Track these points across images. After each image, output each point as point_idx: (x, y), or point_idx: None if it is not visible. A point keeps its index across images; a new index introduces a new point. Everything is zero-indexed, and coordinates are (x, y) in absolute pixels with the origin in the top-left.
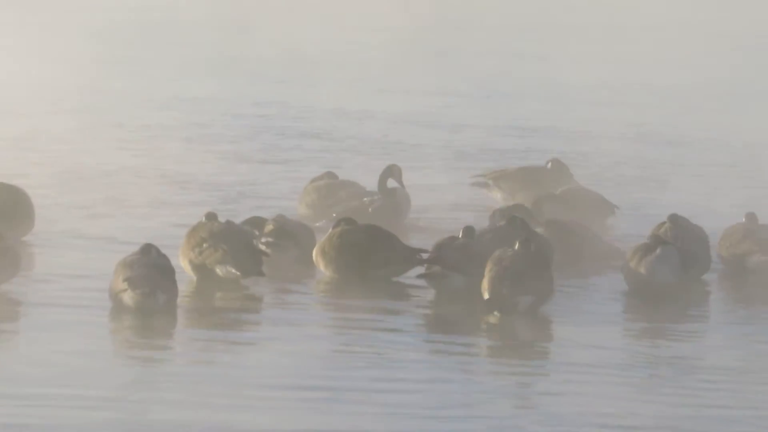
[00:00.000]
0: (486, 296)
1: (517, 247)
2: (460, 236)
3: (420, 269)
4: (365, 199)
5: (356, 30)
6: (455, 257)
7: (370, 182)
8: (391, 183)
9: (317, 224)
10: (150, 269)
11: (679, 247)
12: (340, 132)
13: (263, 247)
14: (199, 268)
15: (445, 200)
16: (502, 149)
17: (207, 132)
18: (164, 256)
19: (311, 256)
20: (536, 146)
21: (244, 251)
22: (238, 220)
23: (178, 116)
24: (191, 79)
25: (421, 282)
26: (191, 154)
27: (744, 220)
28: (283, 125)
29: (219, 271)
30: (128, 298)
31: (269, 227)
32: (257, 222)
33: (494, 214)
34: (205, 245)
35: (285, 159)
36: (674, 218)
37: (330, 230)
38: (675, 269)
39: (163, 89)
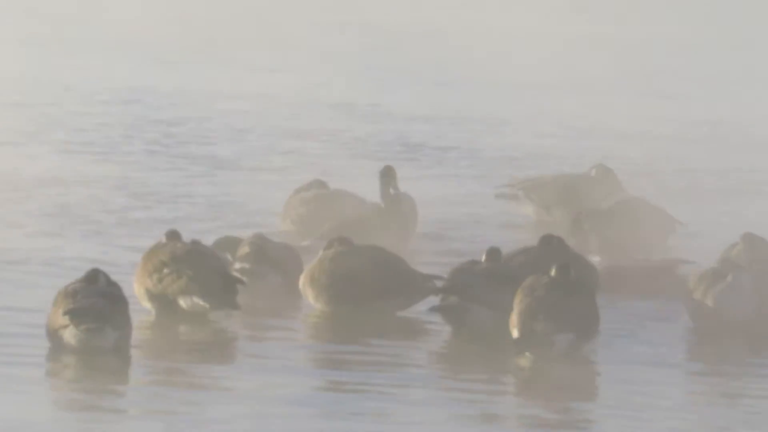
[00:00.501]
0: (515, 334)
1: (553, 273)
2: (482, 260)
3: (433, 300)
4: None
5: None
6: (477, 286)
7: (369, 191)
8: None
9: (304, 245)
10: (98, 300)
11: (755, 273)
12: (345, 132)
13: (238, 274)
14: (159, 299)
15: (464, 215)
16: (536, 153)
17: (172, 131)
18: (115, 285)
19: (297, 285)
20: (578, 149)
21: (214, 279)
22: (207, 241)
23: (137, 112)
24: (152, 68)
25: (435, 317)
26: (152, 159)
27: None
28: (271, 123)
29: (183, 303)
30: (70, 335)
31: (245, 249)
32: (230, 243)
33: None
34: (165, 271)
35: (273, 165)
36: (749, 238)
37: (321, 252)
38: (749, 300)
39: (118, 79)
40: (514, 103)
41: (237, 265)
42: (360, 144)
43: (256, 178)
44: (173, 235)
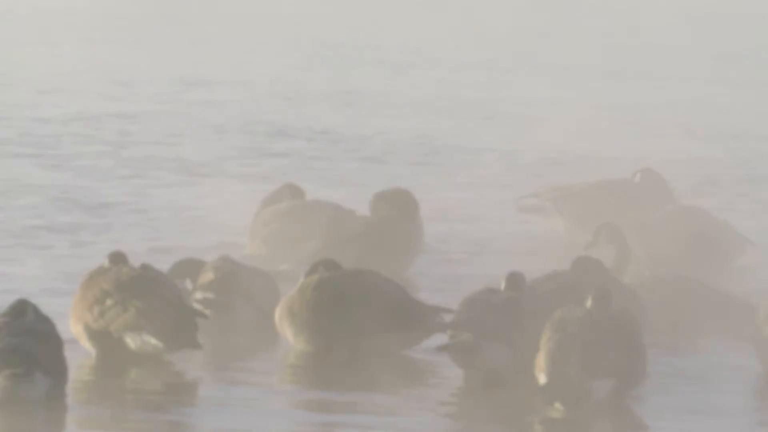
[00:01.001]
0: (543, 380)
1: (589, 304)
2: (501, 287)
3: (441, 338)
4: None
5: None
6: (494, 320)
7: (358, 201)
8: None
9: (281, 269)
10: (25, 339)
11: None
12: (343, 128)
13: (199, 306)
14: (101, 337)
15: (478, 231)
16: (568, 159)
17: (126, 128)
18: (46, 320)
19: (272, 320)
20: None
21: (169, 312)
22: (163, 265)
23: (84, 104)
24: (96, 49)
25: (443, 358)
26: (96, 164)
27: None
28: (251, 118)
29: (130, 341)
30: None
31: (208, 276)
32: (190, 267)
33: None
34: (108, 302)
35: (252, 170)
36: None
37: (301, 279)
38: None
39: (54, 66)
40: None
41: (198, 295)
42: (359, 143)
43: (229, 187)
44: (118, 258)
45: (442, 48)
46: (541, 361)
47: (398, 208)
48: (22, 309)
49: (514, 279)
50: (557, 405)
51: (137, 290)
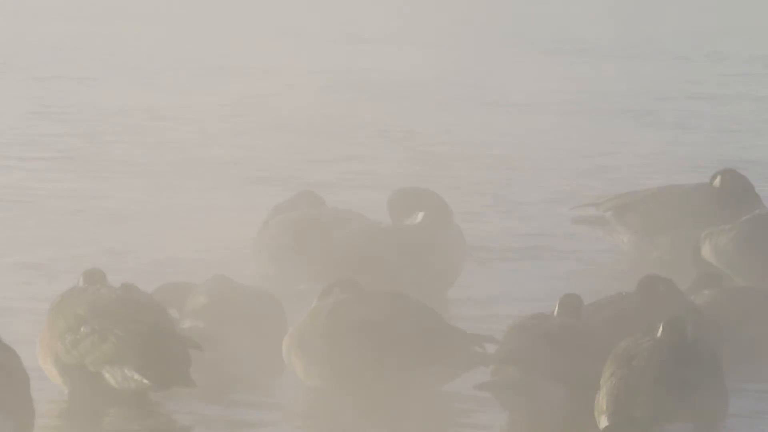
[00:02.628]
0: (604, 422)
1: (660, 333)
2: (554, 312)
3: (482, 373)
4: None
5: None
6: (546, 352)
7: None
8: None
9: (300, 288)
10: None
11: None
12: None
13: (190, 335)
14: (74, 372)
15: (524, 246)
16: (626, 162)
17: (117, 126)
18: (8, 350)
19: (278, 351)
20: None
21: (157, 342)
22: (147, 286)
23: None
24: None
25: (485, 395)
26: (75, 167)
27: None
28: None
29: (109, 377)
30: None
31: (199, 300)
32: (177, 291)
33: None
34: (83, 330)
35: (257, 174)
36: None
37: (314, 303)
38: None
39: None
40: None
41: (187, 323)
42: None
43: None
44: (94, 277)
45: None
46: (602, 401)
47: (429, 213)
48: None
49: (570, 302)
50: None
51: (117, 316)
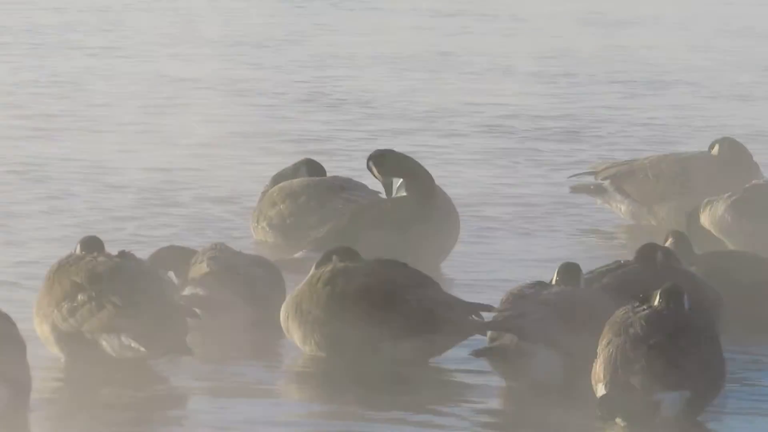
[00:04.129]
0: (601, 391)
1: (657, 301)
2: (553, 281)
3: (480, 341)
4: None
5: None
6: (543, 319)
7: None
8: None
9: (294, 257)
10: None
11: None
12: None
13: (188, 303)
14: (71, 340)
15: (520, 215)
16: (630, 131)
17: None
18: (6, 318)
19: (277, 319)
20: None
21: (154, 310)
22: (144, 253)
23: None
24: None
25: (482, 364)
26: (67, 132)
27: None
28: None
29: (107, 345)
30: None
31: (201, 268)
32: (177, 256)
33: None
34: (80, 298)
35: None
36: None
37: (311, 271)
38: None
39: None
40: None
41: (187, 291)
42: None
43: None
44: (91, 244)
45: None
46: (599, 369)
47: (413, 182)
48: None
49: (568, 271)
50: (618, 421)
51: (115, 284)
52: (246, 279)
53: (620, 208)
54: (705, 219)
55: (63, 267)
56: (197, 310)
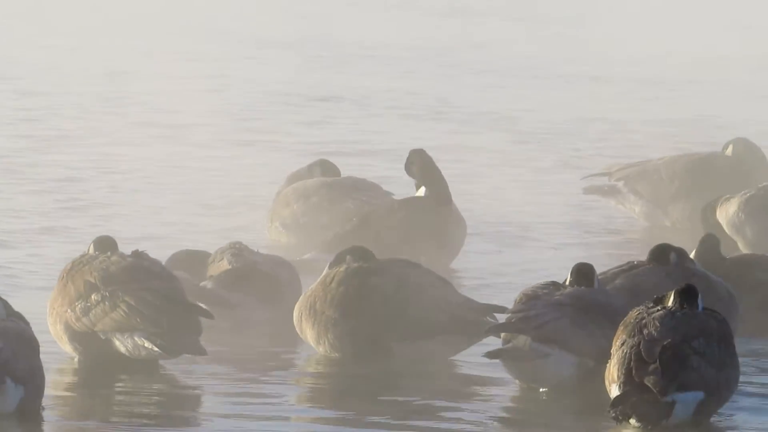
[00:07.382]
0: (615, 391)
1: (671, 302)
2: (566, 282)
3: (493, 342)
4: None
5: None
6: (557, 320)
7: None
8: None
9: (303, 258)
10: None
11: None
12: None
13: (202, 303)
14: (85, 339)
15: (536, 216)
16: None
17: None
18: (20, 317)
19: (291, 319)
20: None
21: (167, 309)
22: (160, 255)
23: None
24: None
25: (494, 365)
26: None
27: None
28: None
29: (120, 344)
30: None
31: (221, 265)
32: (193, 259)
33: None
34: (94, 297)
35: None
36: None
37: (325, 271)
38: None
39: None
40: None
41: (208, 284)
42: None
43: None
44: (105, 244)
45: None
46: (613, 370)
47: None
48: None
49: (582, 271)
50: (632, 422)
51: (128, 283)
52: (260, 278)
53: (634, 209)
54: (720, 215)
55: (76, 267)
56: (210, 311)
